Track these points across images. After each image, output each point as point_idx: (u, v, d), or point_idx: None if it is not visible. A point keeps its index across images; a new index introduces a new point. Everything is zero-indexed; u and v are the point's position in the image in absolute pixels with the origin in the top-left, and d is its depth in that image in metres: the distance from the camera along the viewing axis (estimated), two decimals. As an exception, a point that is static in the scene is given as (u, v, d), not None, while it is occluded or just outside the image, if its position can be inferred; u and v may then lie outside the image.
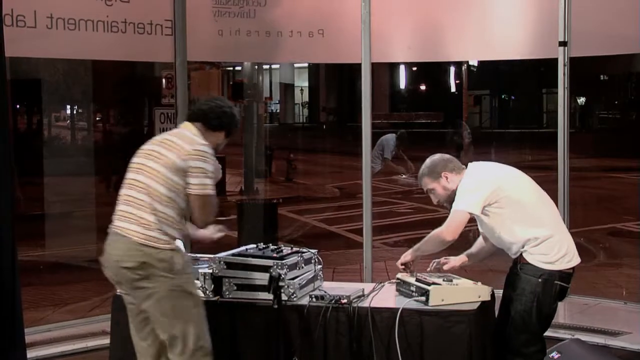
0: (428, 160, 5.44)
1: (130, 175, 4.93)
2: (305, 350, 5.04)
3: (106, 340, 6.16)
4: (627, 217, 14.66)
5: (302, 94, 45.07)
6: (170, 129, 8.63)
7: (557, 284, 5.15)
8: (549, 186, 8.65)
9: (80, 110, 25.60)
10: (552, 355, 5.62)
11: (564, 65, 8.41)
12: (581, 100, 34.89)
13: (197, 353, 4.82)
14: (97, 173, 15.18)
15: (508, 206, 5.15)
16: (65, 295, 9.85)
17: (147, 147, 4.96)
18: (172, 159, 4.77)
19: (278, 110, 45.91)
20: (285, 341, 5.04)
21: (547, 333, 5.51)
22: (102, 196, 15.47)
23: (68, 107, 26.43)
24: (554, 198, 8.47)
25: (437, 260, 5.51)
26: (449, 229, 5.14)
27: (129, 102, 22.53)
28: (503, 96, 39.17)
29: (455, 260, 5.48)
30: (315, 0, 8.96)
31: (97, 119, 24.44)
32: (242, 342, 5.15)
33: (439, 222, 5.38)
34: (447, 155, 5.49)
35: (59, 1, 7.60)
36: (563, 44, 8.39)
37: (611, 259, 11.76)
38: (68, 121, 28.24)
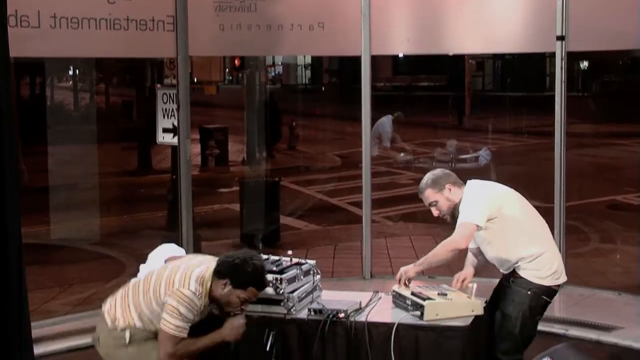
0: (429, 174, 5.58)
1: (140, 277, 5.22)
2: (304, 363, 5.19)
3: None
4: (627, 189, 14.71)
5: (305, 55, 44.72)
6: (172, 110, 8.84)
7: (543, 299, 5.39)
8: (551, 154, 8.82)
9: (82, 76, 25.61)
10: (543, 359, 5.79)
11: (562, 59, 8.50)
12: (584, 64, 34.73)
13: None
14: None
15: (505, 223, 5.33)
16: (70, 275, 10.00)
17: (168, 264, 5.20)
18: (162, 294, 4.94)
19: (281, 72, 45.77)
20: (284, 354, 5.19)
21: (542, 328, 5.68)
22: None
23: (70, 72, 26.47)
24: (552, 169, 8.67)
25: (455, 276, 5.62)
26: (463, 238, 5.29)
27: (132, 70, 22.62)
28: (506, 56, 38.98)
29: (470, 276, 5.60)
30: (315, -7, 9.02)
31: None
32: (242, 353, 5.28)
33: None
34: (447, 170, 5.65)
35: (62, 1, 7.67)
36: (561, 38, 8.47)
37: (608, 242, 11.84)
38: (70, 82, 28.28)
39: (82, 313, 8.25)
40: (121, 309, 5.06)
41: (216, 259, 5.10)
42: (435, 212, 5.55)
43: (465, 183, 5.54)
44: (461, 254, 5.48)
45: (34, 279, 8.00)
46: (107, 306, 5.17)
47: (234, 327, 5.00)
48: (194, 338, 4.95)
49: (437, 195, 5.48)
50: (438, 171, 5.60)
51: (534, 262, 5.33)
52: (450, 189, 5.46)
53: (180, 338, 4.86)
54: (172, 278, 4.92)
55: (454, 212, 5.46)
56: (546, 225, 5.59)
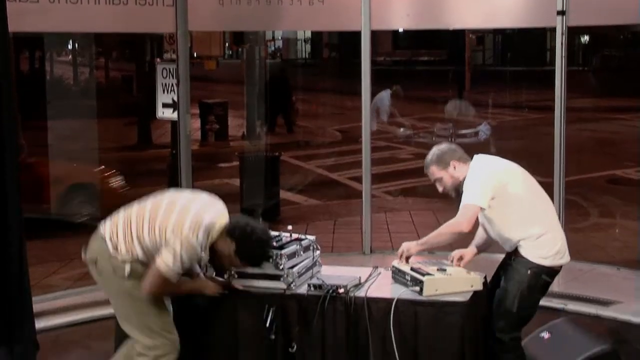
0: (435, 149, 5.53)
1: (146, 204, 5.18)
2: (304, 338, 5.20)
3: (112, 310, 6.32)
4: (627, 163, 14.72)
5: (304, 30, 44.51)
6: (172, 84, 8.83)
7: (543, 278, 5.36)
8: (551, 129, 8.82)
9: (82, 51, 25.56)
10: (542, 334, 5.83)
11: (562, 34, 8.46)
12: (584, 38, 34.68)
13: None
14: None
15: (508, 202, 5.28)
16: (71, 250, 9.98)
17: (175, 198, 5.20)
18: (169, 234, 4.96)
19: (281, 46, 45.66)
20: (284, 329, 5.20)
21: (541, 302, 5.66)
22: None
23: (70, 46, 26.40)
24: (551, 144, 8.67)
25: (452, 254, 5.64)
26: (466, 222, 5.24)
27: (131, 44, 22.58)
28: (506, 31, 38.89)
29: (469, 255, 5.62)
30: (315, -32, 8.97)
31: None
32: (242, 328, 5.31)
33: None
34: (453, 145, 5.60)
35: (61, -25, 7.65)
36: (561, 13, 8.43)
37: (607, 217, 11.85)
38: (70, 56, 28.22)
39: (83, 288, 8.27)
40: (124, 238, 5.06)
41: (221, 206, 5.15)
42: (439, 188, 5.52)
43: (471, 158, 5.49)
44: (466, 235, 5.46)
45: (34, 254, 8.02)
46: (107, 230, 5.13)
47: (217, 285, 5.19)
48: (177, 282, 5.02)
49: (441, 172, 5.44)
50: (444, 146, 5.54)
51: (536, 242, 5.29)
52: (455, 166, 5.41)
53: (170, 281, 4.93)
54: (181, 222, 4.94)
55: (458, 189, 5.42)
56: (551, 204, 5.55)
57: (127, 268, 5.03)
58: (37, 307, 7.22)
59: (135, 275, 5.04)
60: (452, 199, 5.61)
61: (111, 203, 10.47)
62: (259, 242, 5.02)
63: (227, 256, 5.03)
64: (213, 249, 5.04)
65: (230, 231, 4.99)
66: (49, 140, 13.01)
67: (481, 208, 5.26)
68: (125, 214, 5.17)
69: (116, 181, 12.10)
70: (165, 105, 9.03)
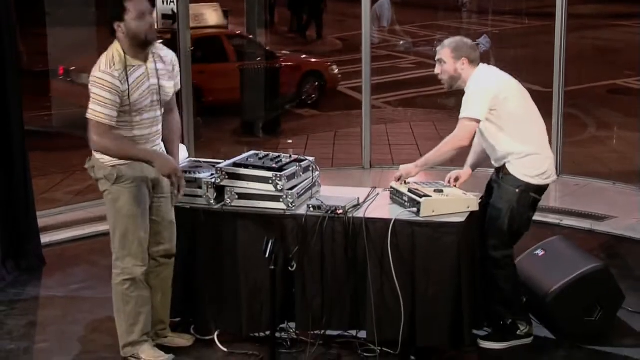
0: (458, 38, 5.52)
1: None
2: (303, 257, 5.31)
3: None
4: (628, 73, 14.65)
5: None
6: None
7: (532, 196, 5.42)
8: (551, 38, 8.81)
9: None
10: (537, 252, 5.96)
11: None
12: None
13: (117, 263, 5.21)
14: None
15: (502, 116, 5.32)
16: (74, 161, 10.06)
17: None
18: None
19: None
20: (284, 248, 5.30)
21: (537, 218, 5.76)
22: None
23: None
24: (551, 52, 8.67)
25: (448, 175, 5.70)
26: (465, 136, 5.31)
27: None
28: None
29: (466, 175, 5.69)
30: None
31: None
32: (242, 248, 5.42)
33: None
34: (475, 45, 5.58)
35: None
36: None
37: (606, 129, 11.88)
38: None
39: (87, 203, 8.33)
40: None
41: None
42: (437, 69, 5.48)
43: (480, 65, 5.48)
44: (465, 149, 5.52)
45: (36, 166, 8.08)
46: None
47: (170, 161, 5.06)
48: (130, 142, 4.99)
49: (450, 60, 5.40)
50: (468, 41, 5.52)
51: (524, 159, 5.35)
52: (464, 63, 5.39)
53: (107, 126, 4.85)
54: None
55: (452, 84, 5.45)
56: (544, 126, 5.56)
57: (115, 173, 5.09)
58: (41, 222, 7.35)
59: (121, 182, 5.07)
60: (451, 109, 5.64)
61: (333, 86, 14.65)
62: None
63: (130, 25, 4.93)
64: (136, 43, 4.98)
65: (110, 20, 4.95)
66: (48, 49, 12.96)
67: (479, 120, 5.31)
68: None
69: (335, 69, 14.95)
70: (165, 17, 8.90)
